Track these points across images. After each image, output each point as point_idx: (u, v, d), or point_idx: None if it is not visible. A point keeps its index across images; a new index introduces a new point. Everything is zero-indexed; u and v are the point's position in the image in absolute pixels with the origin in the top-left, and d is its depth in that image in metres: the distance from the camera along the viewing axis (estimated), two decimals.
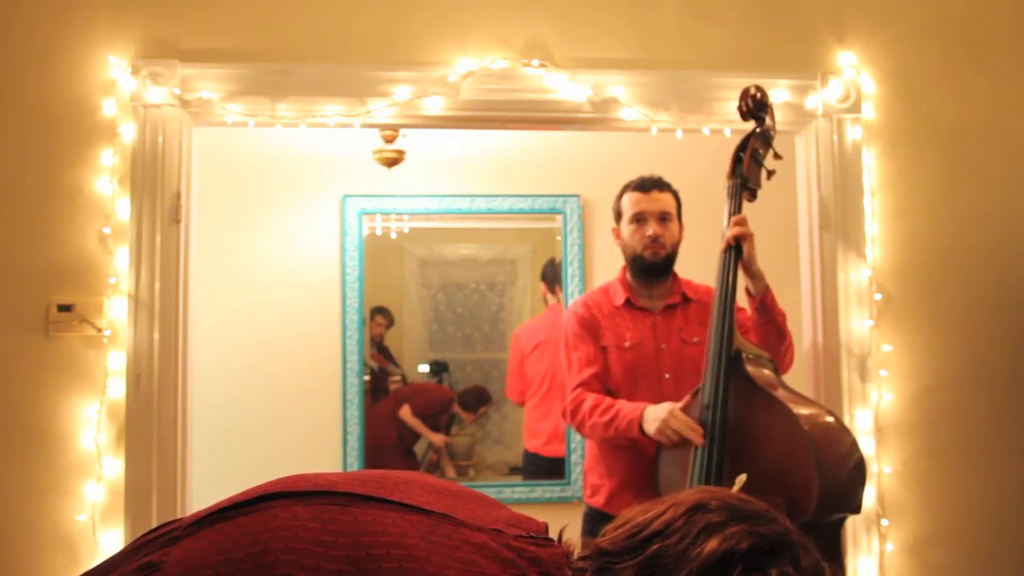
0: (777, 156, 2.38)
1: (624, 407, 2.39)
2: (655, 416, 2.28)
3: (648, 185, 2.61)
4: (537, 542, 1.01)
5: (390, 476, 1.07)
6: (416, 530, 0.94)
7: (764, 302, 2.39)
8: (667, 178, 2.66)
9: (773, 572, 0.90)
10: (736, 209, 2.34)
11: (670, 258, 2.60)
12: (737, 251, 2.31)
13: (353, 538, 0.91)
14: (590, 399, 2.46)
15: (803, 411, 2.11)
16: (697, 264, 2.73)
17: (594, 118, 2.60)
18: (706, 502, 0.97)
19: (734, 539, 0.92)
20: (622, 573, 0.95)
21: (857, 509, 2.12)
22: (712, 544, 0.92)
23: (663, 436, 2.24)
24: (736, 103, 2.39)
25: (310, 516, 0.94)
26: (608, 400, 2.45)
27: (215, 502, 1.00)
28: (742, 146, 2.37)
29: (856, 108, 2.63)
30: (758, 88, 2.36)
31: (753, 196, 2.37)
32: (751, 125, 2.38)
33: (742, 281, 2.38)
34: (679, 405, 2.27)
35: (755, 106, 2.35)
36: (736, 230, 2.30)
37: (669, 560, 0.92)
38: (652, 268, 2.58)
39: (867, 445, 2.51)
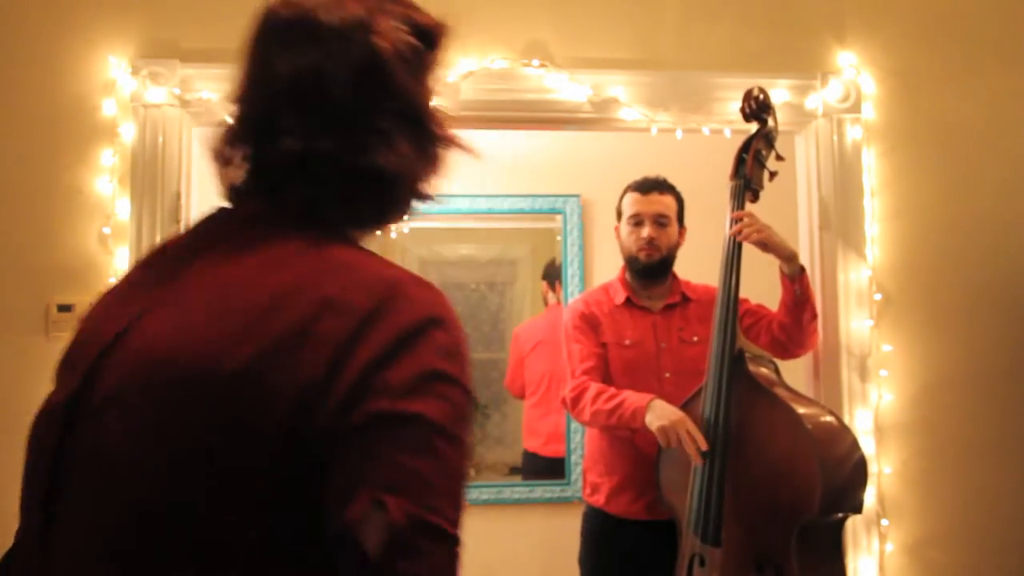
0: (779, 157, 2.39)
1: (630, 396, 2.36)
2: (663, 414, 2.24)
3: (647, 187, 2.61)
4: None
5: None
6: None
7: (803, 283, 2.39)
8: (667, 178, 2.66)
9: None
10: (738, 209, 2.34)
11: (665, 260, 2.60)
12: (738, 249, 2.31)
13: None
14: (594, 387, 2.44)
15: (805, 411, 2.11)
16: (697, 264, 2.73)
17: (594, 118, 2.60)
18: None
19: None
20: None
21: (858, 509, 2.12)
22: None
23: (663, 436, 2.21)
24: (736, 103, 2.40)
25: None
26: (614, 389, 2.43)
27: None
28: (745, 147, 2.38)
29: (856, 108, 2.63)
30: (761, 90, 2.37)
31: (756, 197, 2.38)
32: (754, 126, 2.39)
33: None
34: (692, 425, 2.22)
35: (758, 107, 2.36)
36: (735, 228, 2.31)
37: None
38: (647, 270, 2.59)
39: (867, 445, 2.51)
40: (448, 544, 0.75)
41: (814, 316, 2.45)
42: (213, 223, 0.93)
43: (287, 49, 0.89)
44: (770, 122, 2.38)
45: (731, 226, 2.33)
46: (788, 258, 2.37)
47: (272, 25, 0.92)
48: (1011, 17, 2.74)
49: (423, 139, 0.91)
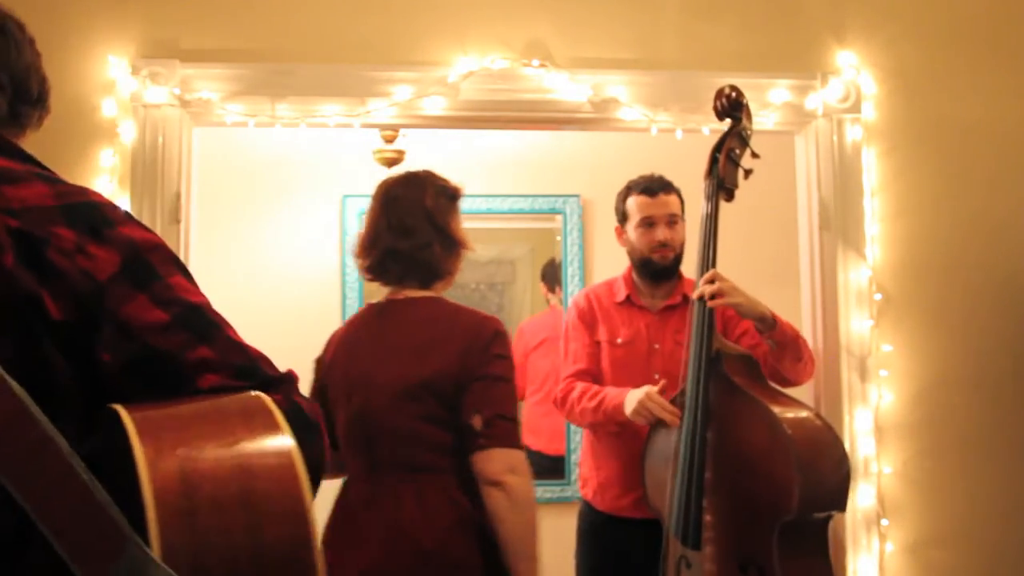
0: (754, 155, 2.34)
1: (609, 392, 2.43)
2: (633, 398, 2.31)
3: (655, 188, 2.57)
4: None
5: None
6: None
7: (775, 336, 2.32)
8: (667, 178, 2.66)
9: None
10: (713, 211, 2.27)
11: (678, 259, 2.60)
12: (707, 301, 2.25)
13: None
14: (579, 386, 2.51)
15: (782, 410, 2.10)
16: (696, 263, 2.72)
17: (594, 118, 2.60)
18: None
19: None
20: None
21: (841, 507, 2.11)
22: None
23: (639, 416, 2.28)
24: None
25: None
26: (596, 387, 2.49)
27: None
28: (718, 147, 2.33)
29: (856, 108, 2.63)
30: (732, 87, 2.33)
31: (730, 196, 2.31)
32: (727, 124, 2.35)
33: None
34: (656, 389, 2.29)
35: (730, 105, 2.32)
36: (707, 292, 2.23)
37: None
38: (662, 271, 2.57)
39: (867, 445, 2.52)
40: (510, 423, 1.85)
41: (798, 358, 2.37)
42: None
43: (390, 210, 2.00)
44: (743, 120, 2.33)
45: (700, 284, 2.26)
46: (758, 319, 2.30)
47: (386, 197, 2.02)
48: (1011, 17, 2.74)
49: (447, 243, 1.98)
